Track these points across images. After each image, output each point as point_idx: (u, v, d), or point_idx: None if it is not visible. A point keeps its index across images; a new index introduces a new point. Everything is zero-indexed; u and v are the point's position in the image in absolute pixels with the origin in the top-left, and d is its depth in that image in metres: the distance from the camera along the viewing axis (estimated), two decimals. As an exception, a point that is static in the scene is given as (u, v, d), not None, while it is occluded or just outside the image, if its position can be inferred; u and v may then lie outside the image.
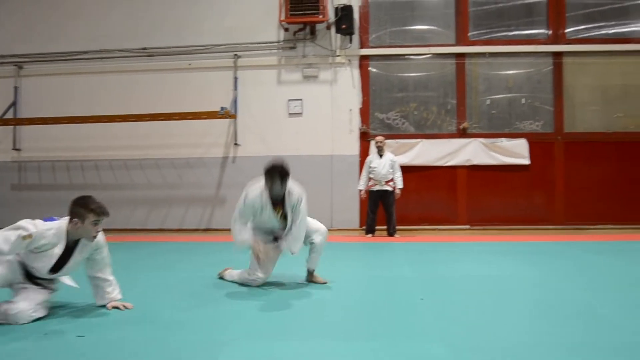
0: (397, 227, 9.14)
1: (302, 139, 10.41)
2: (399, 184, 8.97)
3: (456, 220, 10.34)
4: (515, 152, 10.15)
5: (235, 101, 10.39)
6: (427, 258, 6.58)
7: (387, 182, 8.96)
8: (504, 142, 10.23)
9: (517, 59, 10.35)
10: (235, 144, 10.54)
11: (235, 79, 10.52)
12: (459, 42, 10.41)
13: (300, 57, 10.54)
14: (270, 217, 4.62)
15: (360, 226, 10.07)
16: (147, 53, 10.78)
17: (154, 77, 10.74)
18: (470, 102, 10.40)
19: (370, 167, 9.03)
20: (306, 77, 10.51)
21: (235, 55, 10.56)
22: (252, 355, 2.90)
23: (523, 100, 10.35)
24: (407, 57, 10.51)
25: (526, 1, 10.51)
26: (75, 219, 3.60)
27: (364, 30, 10.50)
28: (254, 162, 10.42)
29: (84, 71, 10.88)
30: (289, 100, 10.50)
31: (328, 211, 10.22)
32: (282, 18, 10.11)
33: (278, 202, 4.59)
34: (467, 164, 10.28)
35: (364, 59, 10.49)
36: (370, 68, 10.53)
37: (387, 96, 10.52)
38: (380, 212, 9.12)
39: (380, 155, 9.03)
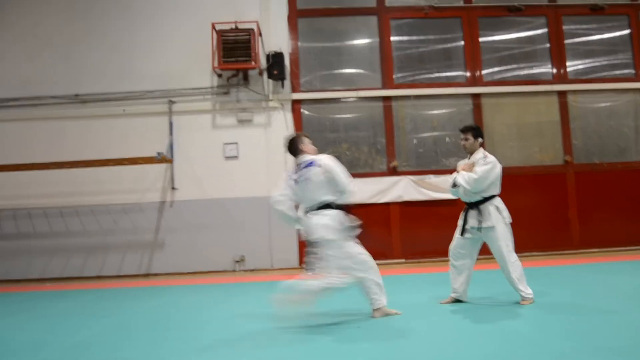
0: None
1: (239, 181, 10.63)
2: (335, 221, 9.29)
3: (392, 254, 10.73)
4: (442, 187, 10.65)
5: (171, 146, 10.53)
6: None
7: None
8: (432, 179, 10.79)
9: (440, 100, 11.07)
10: (173, 188, 10.63)
11: (171, 124, 10.68)
12: (385, 85, 11.02)
13: (234, 102, 10.84)
14: None
15: (300, 265, 10.31)
16: (80, 100, 10.80)
17: (88, 123, 10.75)
18: (399, 142, 10.96)
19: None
20: (241, 121, 10.80)
21: (170, 101, 10.74)
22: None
23: (447, 139, 11.01)
24: (337, 100, 11.02)
25: (445, 46, 11.30)
26: None
27: (295, 75, 10.95)
28: (192, 206, 10.59)
29: (15, 118, 10.74)
30: (225, 143, 10.73)
31: (267, 251, 10.43)
32: (216, 65, 10.44)
33: None
34: (398, 200, 10.75)
35: (296, 102, 10.92)
36: (302, 111, 10.95)
37: (319, 138, 10.91)
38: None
39: (316, 195, 9.34)
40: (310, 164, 4.94)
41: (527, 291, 5.29)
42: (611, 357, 3.34)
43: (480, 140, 5.54)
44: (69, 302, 7.06)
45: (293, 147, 5.18)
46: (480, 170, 5.27)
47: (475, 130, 5.58)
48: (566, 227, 11.03)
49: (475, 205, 5.38)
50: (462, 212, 5.57)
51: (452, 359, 3.55)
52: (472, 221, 5.40)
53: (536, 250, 10.73)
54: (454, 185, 5.47)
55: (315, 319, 5.10)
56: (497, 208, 5.36)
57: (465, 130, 5.61)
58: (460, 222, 5.54)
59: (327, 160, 4.94)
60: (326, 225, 4.76)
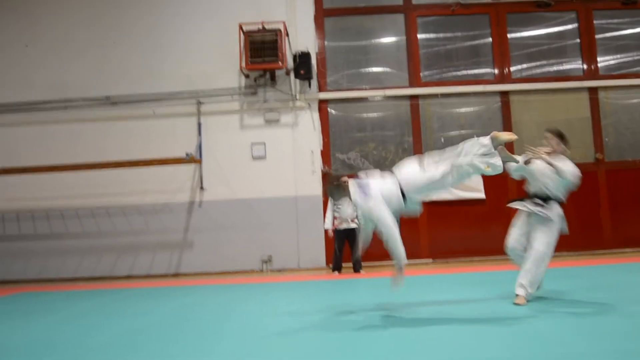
0: (363, 264, 9.43)
1: (266, 181, 10.69)
2: (363, 221, 9.27)
3: (419, 254, 10.68)
4: (471, 186, 10.59)
5: (199, 146, 10.64)
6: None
7: (352, 220, 9.26)
8: (460, 177, 10.68)
9: (467, 98, 10.97)
10: (201, 188, 10.74)
11: (199, 124, 10.79)
12: (412, 83, 10.96)
13: (261, 102, 10.90)
14: None
15: (327, 264, 10.33)
16: (111, 101, 10.96)
17: (119, 125, 10.90)
18: (426, 140, 10.90)
19: (335, 206, 9.31)
20: (268, 121, 10.85)
21: (198, 101, 10.85)
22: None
23: (475, 137, 10.88)
24: (364, 99, 11.00)
25: (473, 43, 11.18)
26: None
27: (322, 75, 10.96)
28: (220, 206, 10.69)
29: (47, 121, 10.94)
30: (252, 144, 10.80)
31: (295, 251, 10.48)
32: (243, 65, 10.50)
33: None
34: (426, 199, 10.66)
35: (322, 102, 10.93)
36: (329, 110, 10.96)
37: (346, 137, 10.94)
38: (345, 249, 9.39)
39: (344, 195, 9.31)
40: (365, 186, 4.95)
41: (529, 290, 5.24)
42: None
43: (563, 146, 5.50)
44: (100, 301, 7.17)
45: (342, 191, 5.13)
46: (563, 165, 5.23)
47: (561, 135, 5.55)
48: (597, 227, 10.84)
49: (543, 198, 5.32)
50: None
51: (467, 358, 3.54)
52: (531, 206, 5.35)
53: (566, 250, 10.50)
54: (527, 162, 5.44)
55: (332, 315, 5.12)
56: (560, 214, 5.33)
57: (552, 131, 5.62)
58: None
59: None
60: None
